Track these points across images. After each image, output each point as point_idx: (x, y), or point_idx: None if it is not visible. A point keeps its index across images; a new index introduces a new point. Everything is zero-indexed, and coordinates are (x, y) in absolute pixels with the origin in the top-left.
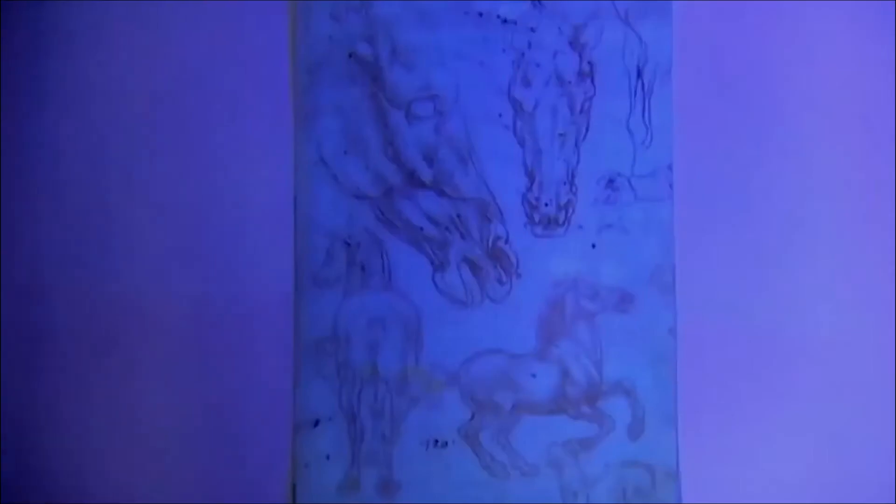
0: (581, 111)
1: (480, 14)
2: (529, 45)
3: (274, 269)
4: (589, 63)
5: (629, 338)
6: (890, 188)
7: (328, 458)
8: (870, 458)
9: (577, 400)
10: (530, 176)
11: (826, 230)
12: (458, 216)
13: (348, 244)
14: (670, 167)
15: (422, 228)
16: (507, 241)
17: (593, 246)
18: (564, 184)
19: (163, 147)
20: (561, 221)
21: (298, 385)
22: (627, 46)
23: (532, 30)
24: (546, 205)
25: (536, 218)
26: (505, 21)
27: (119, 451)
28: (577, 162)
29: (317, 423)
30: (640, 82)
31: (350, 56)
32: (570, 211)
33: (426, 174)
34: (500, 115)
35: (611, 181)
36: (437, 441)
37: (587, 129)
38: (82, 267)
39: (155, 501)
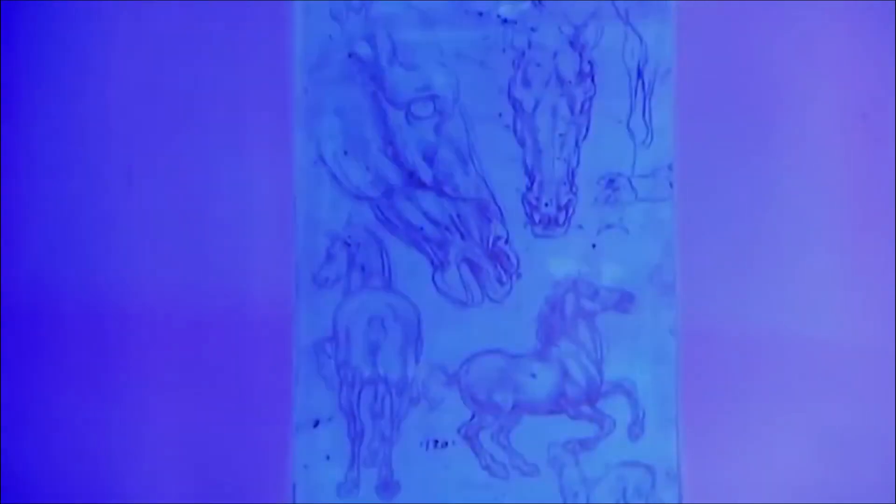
0: (581, 111)
1: (480, 14)
2: (529, 44)
3: (274, 269)
4: (589, 63)
5: (629, 338)
6: (890, 188)
7: (328, 458)
8: (870, 458)
9: (577, 400)
10: (530, 176)
11: (826, 229)
12: (458, 216)
13: (348, 244)
14: (671, 167)
15: (422, 228)
16: (507, 241)
17: (593, 246)
18: (564, 184)
19: (162, 147)
20: (561, 221)
21: (298, 385)
22: (628, 46)
23: (532, 29)
24: (546, 205)
25: (536, 218)
26: (505, 21)
27: (119, 450)
28: (578, 162)
29: (317, 423)
30: (640, 82)
31: (350, 56)
32: (571, 211)
33: (426, 174)
34: (500, 115)
35: (611, 181)
36: (437, 441)
37: (587, 129)
38: (82, 267)
39: (155, 501)
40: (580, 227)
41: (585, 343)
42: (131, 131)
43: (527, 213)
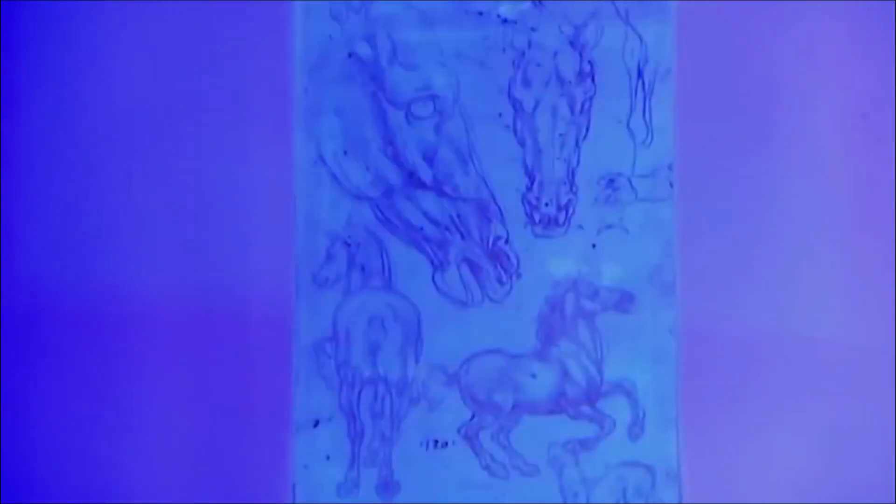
0: (581, 111)
1: (480, 14)
2: (529, 44)
3: (274, 269)
4: (589, 63)
5: (629, 338)
6: (890, 188)
7: (328, 458)
8: (870, 458)
9: (577, 400)
10: (530, 176)
11: (827, 229)
12: (458, 216)
13: (348, 244)
14: (671, 167)
15: (422, 228)
16: (507, 241)
17: (593, 246)
18: (564, 184)
19: (162, 147)
20: (561, 221)
21: (298, 385)
22: (628, 46)
23: (532, 29)
24: (546, 205)
25: (536, 218)
26: (505, 21)
27: (119, 451)
28: (578, 162)
29: (317, 423)
30: (640, 82)
31: (350, 56)
32: (571, 211)
33: (426, 174)
34: (500, 115)
35: (611, 181)
36: (437, 441)
37: (587, 129)
38: (82, 267)
39: (154, 501)
40: (580, 227)
41: (585, 343)
42: (131, 131)
43: (527, 213)
